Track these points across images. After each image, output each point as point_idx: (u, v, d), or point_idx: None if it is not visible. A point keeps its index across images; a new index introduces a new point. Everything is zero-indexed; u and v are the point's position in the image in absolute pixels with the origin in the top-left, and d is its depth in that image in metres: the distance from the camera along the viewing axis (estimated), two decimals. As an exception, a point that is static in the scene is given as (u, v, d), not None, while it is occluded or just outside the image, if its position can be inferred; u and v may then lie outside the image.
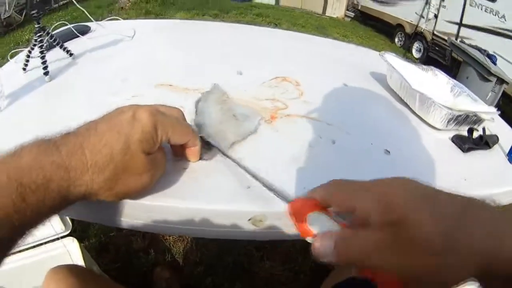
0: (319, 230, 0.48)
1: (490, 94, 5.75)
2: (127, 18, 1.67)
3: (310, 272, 2.17)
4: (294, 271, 2.18)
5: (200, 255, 2.17)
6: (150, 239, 2.21)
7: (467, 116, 1.12)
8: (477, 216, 0.44)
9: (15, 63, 1.11)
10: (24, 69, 1.05)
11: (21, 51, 1.18)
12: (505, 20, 7.72)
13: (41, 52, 1.01)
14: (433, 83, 1.35)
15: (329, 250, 0.45)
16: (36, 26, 1.02)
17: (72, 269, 1.03)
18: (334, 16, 15.05)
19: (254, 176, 0.67)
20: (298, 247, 2.29)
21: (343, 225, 0.49)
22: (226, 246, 2.23)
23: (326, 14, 15.04)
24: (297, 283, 2.11)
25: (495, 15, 7.99)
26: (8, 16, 6.89)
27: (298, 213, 0.52)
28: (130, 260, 2.06)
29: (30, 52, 1.05)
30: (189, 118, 0.83)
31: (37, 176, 0.50)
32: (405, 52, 10.27)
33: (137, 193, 0.65)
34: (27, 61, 1.05)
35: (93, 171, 0.55)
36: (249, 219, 0.68)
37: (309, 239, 0.49)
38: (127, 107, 0.64)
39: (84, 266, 1.48)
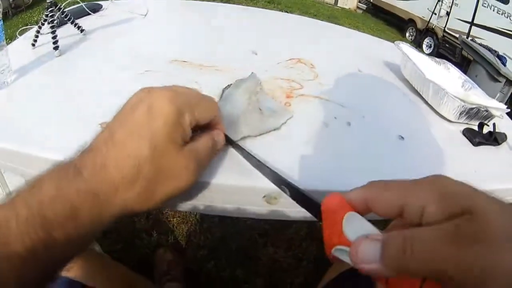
0: (359, 235, 0.40)
1: (498, 94, 5.76)
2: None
3: (313, 259, 2.18)
4: (297, 258, 2.18)
5: (204, 238, 2.18)
6: (154, 220, 2.22)
7: (478, 110, 1.12)
8: None
9: (24, 40, 1.09)
10: (33, 45, 1.03)
11: (31, 28, 1.16)
12: (516, 23, 7.74)
13: (52, 27, 1.00)
14: (446, 76, 1.34)
15: (374, 253, 0.37)
16: (48, 1, 1.00)
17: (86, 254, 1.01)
18: (346, 7, 15.11)
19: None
20: (302, 233, 2.30)
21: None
22: (230, 231, 2.24)
23: (338, 5, 15.11)
24: (300, 270, 2.12)
25: (507, 17, 8.00)
26: (16, -2, 6.88)
27: (335, 212, 0.44)
28: (132, 241, 2.07)
29: (40, 27, 1.03)
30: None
31: (63, 207, 0.45)
32: (415, 47, 10.27)
33: (182, 193, 0.56)
34: (37, 37, 1.03)
35: (124, 188, 0.49)
36: (264, 196, 0.67)
37: (339, 248, 0.42)
38: (136, 98, 0.56)
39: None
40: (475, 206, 0.35)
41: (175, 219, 2.26)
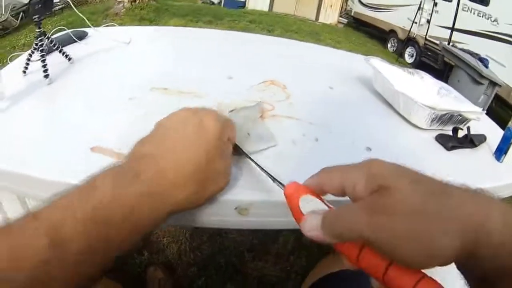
0: (309, 211, 0.52)
1: (482, 97, 5.79)
2: (122, 24, 1.70)
3: (302, 271, 2.20)
4: (285, 271, 2.20)
5: (194, 256, 2.19)
6: (145, 240, 2.23)
7: (452, 116, 1.15)
8: (459, 191, 0.45)
9: (14, 66, 1.12)
10: (24, 71, 1.06)
11: (20, 54, 1.19)
12: (498, 24, 7.79)
13: (42, 56, 1.02)
14: (420, 86, 1.37)
15: (316, 224, 0.48)
16: (37, 30, 1.03)
17: None
18: (327, 22, 15.14)
19: (254, 162, 0.71)
20: (289, 247, 2.32)
21: (330, 207, 0.53)
22: (219, 247, 2.25)
23: (319, 21, 15.15)
24: (289, 283, 2.14)
25: (488, 18, 8.04)
26: (4, 20, 6.88)
27: (292, 195, 0.55)
28: (124, 261, 2.07)
29: (30, 55, 1.06)
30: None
31: (121, 209, 0.48)
32: (397, 58, 10.35)
33: (220, 192, 0.66)
34: (28, 64, 1.06)
35: (180, 190, 0.55)
36: (235, 208, 0.70)
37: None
38: (185, 114, 0.64)
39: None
40: (388, 183, 0.45)
41: (165, 238, 2.27)
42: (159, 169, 0.54)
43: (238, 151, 0.74)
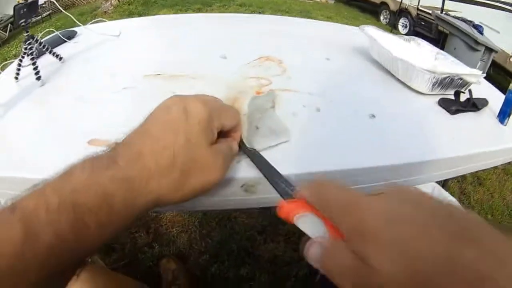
0: (308, 232, 0.47)
1: (479, 63, 5.80)
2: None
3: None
4: (298, 250, 2.17)
5: (205, 244, 2.20)
6: (154, 233, 2.23)
7: (452, 80, 1.14)
8: (467, 264, 0.33)
9: (6, 74, 1.11)
10: (16, 77, 1.05)
11: (11, 62, 1.18)
12: (491, -9, 7.77)
13: (32, 59, 1.02)
14: (417, 52, 1.36)
15: (316, 259, 0.44)
16: (25, 34, 1.03)
17: (91, 269, 1.03)
18: (318, -1, 15.05)
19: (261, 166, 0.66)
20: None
21: (328, 223, 0.46)
22: (229, 232, 2.27)
23: (310, -2, 15.05)
24: (303, 262, 2.10)
25: (480, -14, 8.02)
26: (-8, 34, 6.89)
27: (286, 217, 0.50)
28: (135, 256, 2.08)
29: (21, 61, 1.05)
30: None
31: (96, 194, 0.47)
32: (391, 29, 10.32)
33: (208, 190, 0.60)
34: (19, 69, 1.05)
35: (159, 176, 0.52)
36: (242, 185, 0.70)
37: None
38: (170, 102, 0.60)
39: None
40: (370, 261, 0.37)
41: (174, 229, 2.27)
42: (136, 154, 0.52)
43: (242, 148, 0.70)
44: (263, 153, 0.69)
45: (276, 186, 0.59)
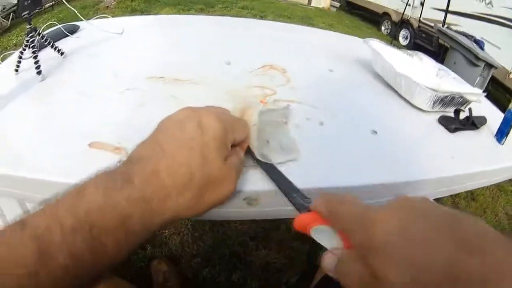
0: (324, 243, 0.51)
1: (478, 78, 5.80)
2: (113, 17, 1.67)
3: (306, 257, 2.20)
4: (290, 257, 2.21)
5: (197, 247, 2.19)
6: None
7: (453, 98, 1.14)
8: (472, 272, 0.35)
9: (6, 66, 1.09)
10: (16, 70, 1.04)
11: (12, 53, 1.16)
12: (492, 6, 7.80)
13: (33, 52, 1.01)
14: (419, 67, 1.37)
15: (331, 269, 0.48)
16: (27, 27, 1.01)
17: None
18: (320, 6, 15.13)
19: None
20: (293, 233, 2.32)
21: (342, 235, 0.49)
22: (221, 237, 2.26)
23: (312, 5, 15.12)
24: (294, 269, 2.15)
25: (482, 1, 8.05)
26: (-6, 22, 6.85)
27: (303, 229, 0.53)
28: (127, 257, 2.06)
29: (22, 53, 1.03)
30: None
31: (112, 215, 0.46)
32: (391, 40, 10.34)
33: (222, 203, 0.60)
34: (19, 62, 1.03)
35: (176, 194, 0.51)
36: (244, 199, 0.69)
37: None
38: (183, 115, 0.58)
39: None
40: (380, 274, 0.40)
41: (167, 231, 2.26)
42: (151, 173, 0.51)
43: (252, 158, 0.71)
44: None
45: (292, 198, 0.60)
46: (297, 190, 0.62)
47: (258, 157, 0.70)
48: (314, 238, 0.51)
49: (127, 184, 0.49)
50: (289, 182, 0.65)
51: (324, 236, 0.51)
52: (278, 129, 0.84)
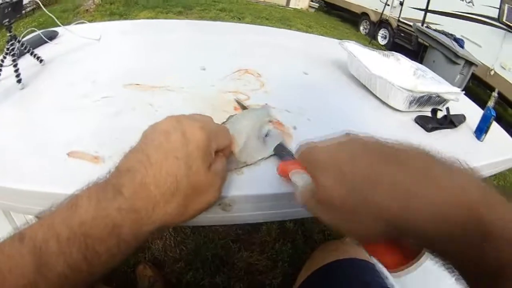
0: (298, 183, 0.64)
1: (458, 76, 5.87)
2: (92, 21, 1.66)
3: (288, 258, 2.22)
4: (272, 259, 2.22)
5: (179, 251, 2.19)
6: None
7: (430, 97, 1.16)
8: (387, 175, 0.49)
9: None
10: None
11: None
12: (473, 5, 7.84)
13: (13, 61, 0.99)
14: (396, 68, 1.38)
15: (302, 200, 0.60)
16: (8, 35, 1.00)
17: None
18: (298, 7, 15.15)
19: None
20: (274, 234, 2.35)
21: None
22: (203, 240, 2.26)
23: (290, 6, 15.14)
24: (277, 271, 2.16)
25: (463, 0, 8.09)
26: (-28, 29, 6.76)
27: (283, 172, 0.71)
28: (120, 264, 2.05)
29: (2, 60, 1.02)
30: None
31: (105, 225, 0.49)
32: (370, 40, 10.42)
33: (208, 209, 0.63)
34: (0, 70, 1.02)
35: (164, 203, 0.54)
36: (219, 204, 0.70)
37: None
38: (168, 126, 0.60)
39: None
40: (316, 177, 0.56)
41: (149, 235, 2.26)
42: (140, 184, 0.53)
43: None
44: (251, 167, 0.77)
45: (280, 155, 0.79)
46: (287, 150, 0.80)
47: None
48: (292, 179, 0.66)
49: (118, 195, 0.51)
50: (284, 146, 0.82)
51: (298, 177, 0.64)
52: (268, 127, 0.90)
